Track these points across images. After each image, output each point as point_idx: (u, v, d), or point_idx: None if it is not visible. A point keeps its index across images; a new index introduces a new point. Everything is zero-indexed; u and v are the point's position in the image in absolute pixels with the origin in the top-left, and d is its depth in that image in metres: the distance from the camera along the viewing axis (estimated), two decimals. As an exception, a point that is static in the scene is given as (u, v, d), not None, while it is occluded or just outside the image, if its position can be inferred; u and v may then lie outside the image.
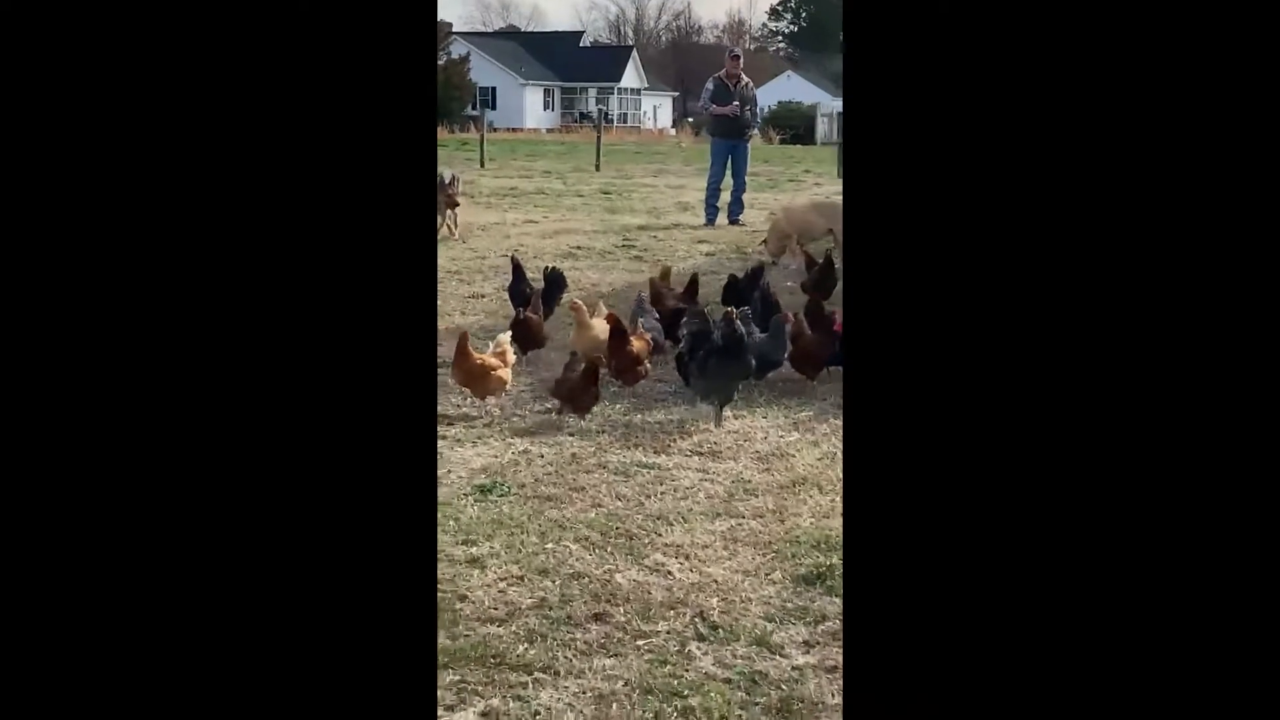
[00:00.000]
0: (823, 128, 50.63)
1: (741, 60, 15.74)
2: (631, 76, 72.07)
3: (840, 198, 13.85)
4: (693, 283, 7.72)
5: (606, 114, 42.56)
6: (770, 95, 52.06)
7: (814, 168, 27.25)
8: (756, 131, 15.69)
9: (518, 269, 8.03)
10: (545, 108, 67.80)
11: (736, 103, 15.03)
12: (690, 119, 64.39)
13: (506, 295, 8.93)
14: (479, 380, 6.02)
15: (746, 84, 15.37)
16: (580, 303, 6.90)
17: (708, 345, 6.00)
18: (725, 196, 15.20)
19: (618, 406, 6.21)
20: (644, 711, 3.19)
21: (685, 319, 6.43)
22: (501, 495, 4.96)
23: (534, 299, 7.20)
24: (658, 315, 7.19)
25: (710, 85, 15.32)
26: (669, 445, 5.71)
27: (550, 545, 4.39)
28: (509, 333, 6.54)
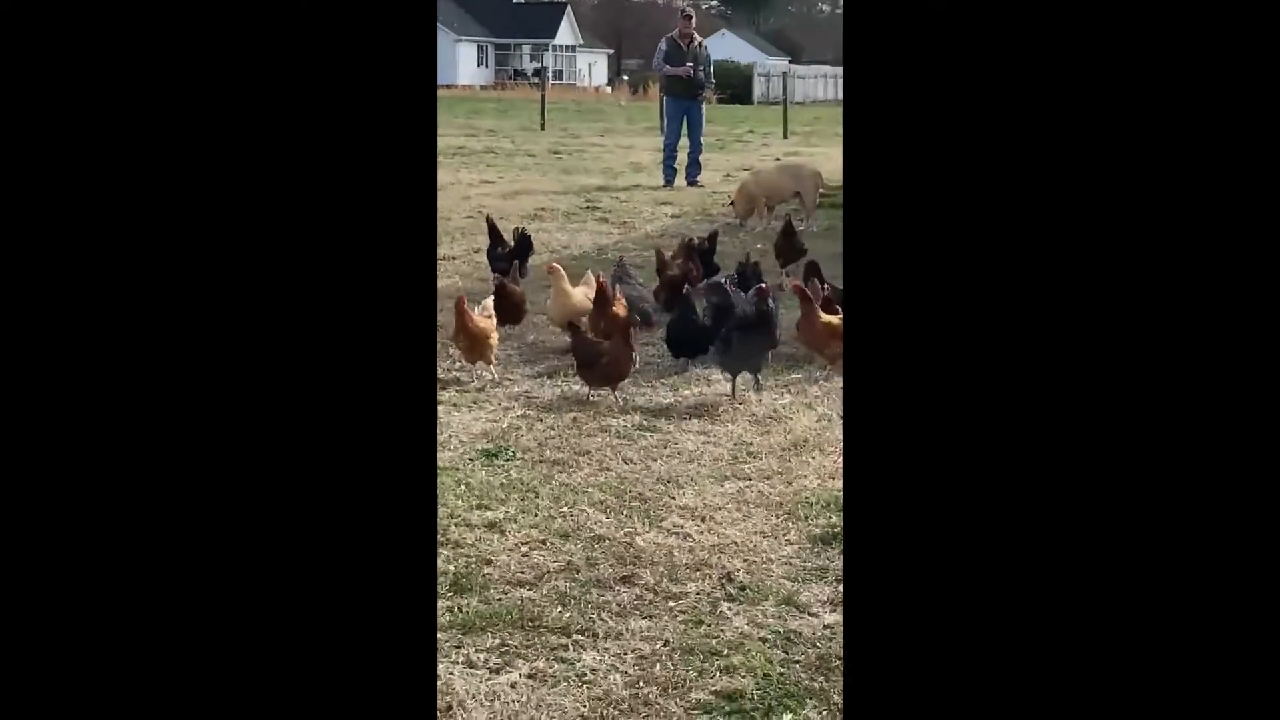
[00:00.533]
0: (760, 87, 50.72)
1: (694, 20, 15.74)
2: (566, 33, 71.67)
3: (805, 160, 13.97)
4: (699, 248, 7.70)
5: (540, 71, 42.22)
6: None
7: (758, 128, 27.36)
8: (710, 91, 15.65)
9: (494, 231, 8.03)
10: (479, 64, 67.26)
11: (690, 63, 15.06)
12: (625, 76, 64.14)
13: (475, 256, 8.97)
14: (479, 345, 6.03)
15: (700, 44, 15.39)
16: (559, 267, 6.89)
17: (732, 321, 5.94)
18: (682, 157, 15.23)
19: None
20: (687, 670, 3.26)
21: (706, 290, 6.38)
22: (508, 460, 5.00)
23: (513, 270, 7.17)
24: (640, 281, 7.23)
25: (664, 46, 15.33)
26: (665, 409, 5.77)
27: (565, 509, 4.45)
28: (492, 297, 6.52)
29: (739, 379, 5.98)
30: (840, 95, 57.40)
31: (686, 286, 6.73)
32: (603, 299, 6.32)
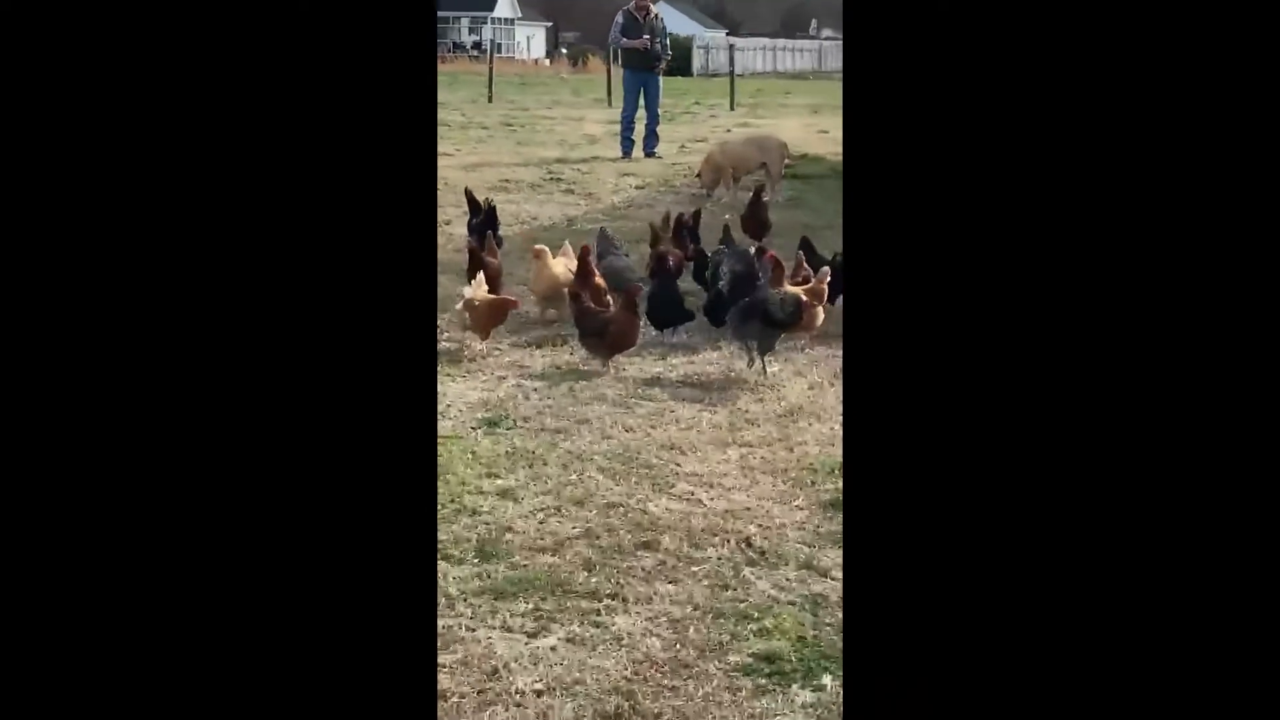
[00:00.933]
0: (699, 59, 50.68)
1: (650, -8, 15.74)
2: (504, 6, 71.22)
3: (770, 130, 14.00)
4: (686, 222, 7.72)
5: (480, 44, 41.98)
6: (646, 25, 51.90)
7: (703, 99, 27.31)
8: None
9: (474, 203, 8.02)
10: (418, 36, 66.50)
11: (647, 35, 15.06)
12: (564, 49, 63.83)
13: (446, 229, 8.96)
14: (495, 320, 6.09)
15: (656, 16, 15.39)
16: (544, 248, 6.86)
17: (756, 298, 5.84)
18: (639, 129, 15.26)
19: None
20: (721, 633, 3.31)
21: (726, 257, 6.32)
22: (510, 428, 5.03)
23: (489, 242, 7.14)
24: (625, 252, 7.25)
25: (620, 19, 15.31)
26: (656, 378, 5.82)
27: (574, 476, 4.49)
28: (481, 273, 6.50)
29: (740, 344, 5.98)
30: (778, 67, 57.75)
31: (669, 258, 6.75)
32: (586, 269, 6.34)
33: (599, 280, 6.42)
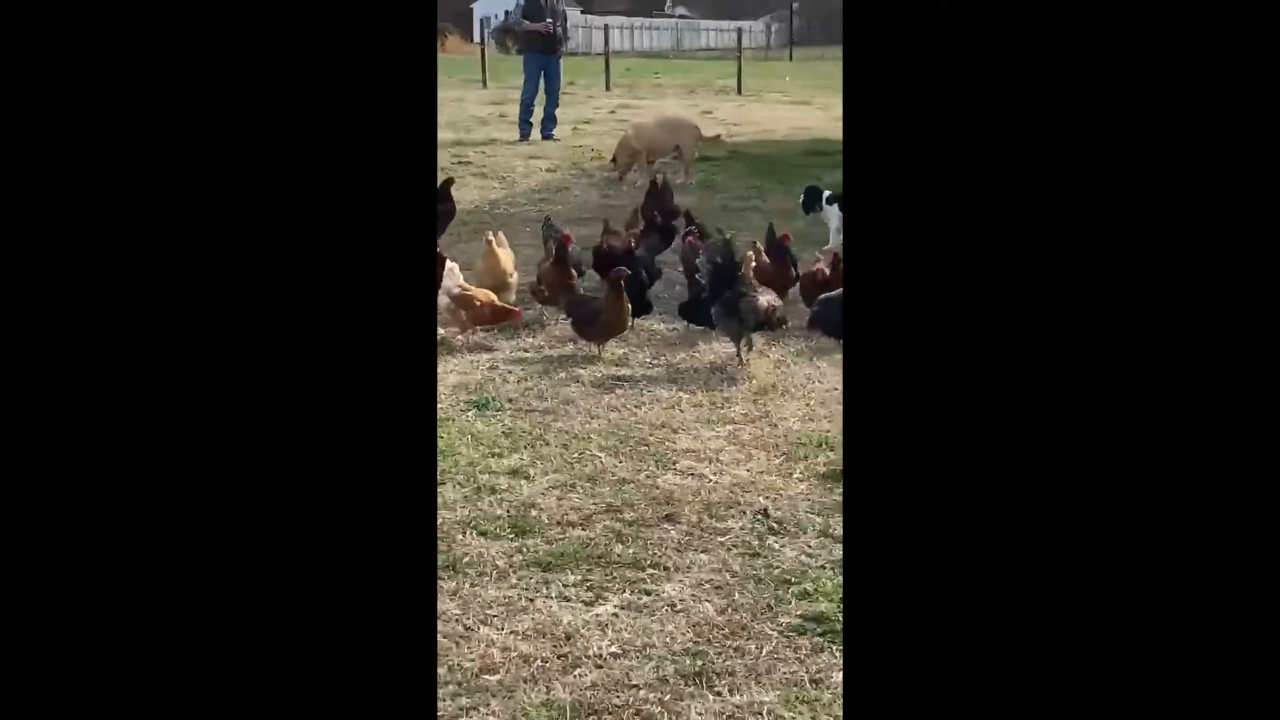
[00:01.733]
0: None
1: (554, -25, 15.84)
2: (360, -17, 70.01)
3: (684, 115, 14.15)
4: (656, 219, 7.85)
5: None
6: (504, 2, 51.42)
7: (576, 79, 27.34)
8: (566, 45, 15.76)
9: (443, 191, 8.07)
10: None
11: (550, 19, 15.16)
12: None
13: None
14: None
15: (558, -1, 15.54)
16: (491, 241, 6.96)
17: (735, 293, 5.90)
18: (538, 112, 15.37)
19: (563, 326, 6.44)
20: (765, 597, 3.52)
21: (706, 248, 6.40)
22: (499, 409, 5.17)
23: (446, 224, 7.23)
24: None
25: (522, 1, 15.40)
26: (625, 359, 6.00)
27: (577, 454, 4.66)
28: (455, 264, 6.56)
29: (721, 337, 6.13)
30: (635, 45, 57.74)
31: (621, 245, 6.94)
32: (563, 255, 6.51)
33: (572, 268, 6.60)
